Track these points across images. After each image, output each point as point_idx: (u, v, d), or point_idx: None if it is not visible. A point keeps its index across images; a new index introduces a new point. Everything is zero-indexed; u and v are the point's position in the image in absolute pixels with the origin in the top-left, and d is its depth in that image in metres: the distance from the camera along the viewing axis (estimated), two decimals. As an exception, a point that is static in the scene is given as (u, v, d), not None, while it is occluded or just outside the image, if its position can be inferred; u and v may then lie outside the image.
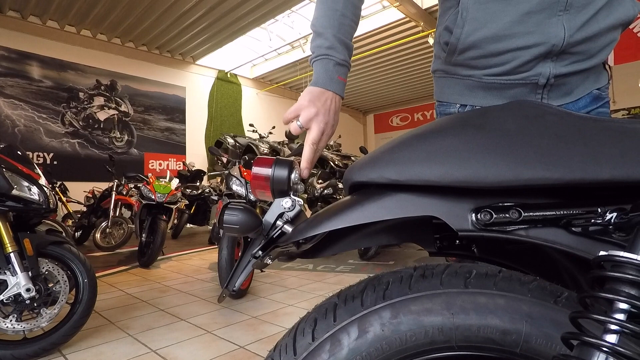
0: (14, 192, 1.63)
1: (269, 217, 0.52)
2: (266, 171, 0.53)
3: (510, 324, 0.41)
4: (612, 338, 0.32)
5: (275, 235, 0.51)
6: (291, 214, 0.52)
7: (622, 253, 0.34)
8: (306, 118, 0.65)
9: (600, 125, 0.42)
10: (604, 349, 0.31)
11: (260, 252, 0.51)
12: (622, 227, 0.39)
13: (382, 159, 0.47)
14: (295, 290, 2.79)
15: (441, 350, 0.42)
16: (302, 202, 0.54)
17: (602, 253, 0.35)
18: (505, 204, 0.42)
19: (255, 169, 0.54)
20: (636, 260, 0.33)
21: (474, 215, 0.43)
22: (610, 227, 0.39)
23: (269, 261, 0.54)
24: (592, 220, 0.40)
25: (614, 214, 0.39)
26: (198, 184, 6.56)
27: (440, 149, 0.44)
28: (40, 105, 6.45)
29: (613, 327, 0.32)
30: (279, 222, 0.51)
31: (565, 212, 0.41)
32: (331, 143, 8.81)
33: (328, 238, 0.55)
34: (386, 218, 0.44)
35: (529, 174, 0.40)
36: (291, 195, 0.53)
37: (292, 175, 0.53)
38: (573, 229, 0.41)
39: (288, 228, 0.50)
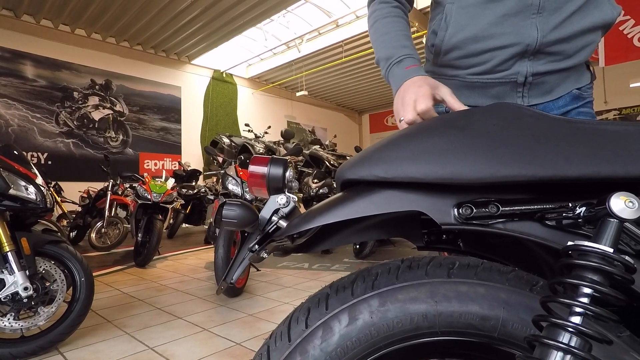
0: (11, 191, 1.64)
1: (265, 212, 0.55)
2: (262, 169, 0.56)
3: (489, 310, 0.44)
4: (576, 319, 0.35)
5: (271, 230, 0.54)
6: (286, 210, 0.55)
7: (587, 243, 0.37)
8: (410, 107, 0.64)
9: (573, 126, 0.46)
10: (569, 329, 0.35)
11: (256, 246, 0.54)
12: (590, 219, 0.42)
13: (371, 158, 0.50)
14: (290, 289, 2.81)
15: (426, 335, 0.45)
16: (296, 198, 0.57)
17: (569, 243, 0.39)
18: (485, 199, 0.46)
19: (252, 168, 0.57)
20: (599, 249, 0.36)
21: (456, 209, 0.46)
22: (580, 220, 0.43)
23: (265, 255, 0.57)
24: (564, 214, 0.43)
25: (584, 208, 0.42)
26: (194, 183, 6.56)
27: (426, 148, 0.47)
28: (34, 105, 6.42)
29: (577, 309, 0.35)
30: (274, 218, 0.54)
31: (539, 206, 0.44)
32: (326, 143, 8.85)
33: (321, 233, 0.57)
34: (375, 213, 0.47)
35: (505, 171, 0.43)
36: (286, 192, 0.56)
37: (287, 173, 0.56)
38: (547, 222, 0.44)
39: (283, 223, 0.53)
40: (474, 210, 0.45)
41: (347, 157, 7.74)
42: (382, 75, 0.75)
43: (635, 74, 7.07)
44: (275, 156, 0.58)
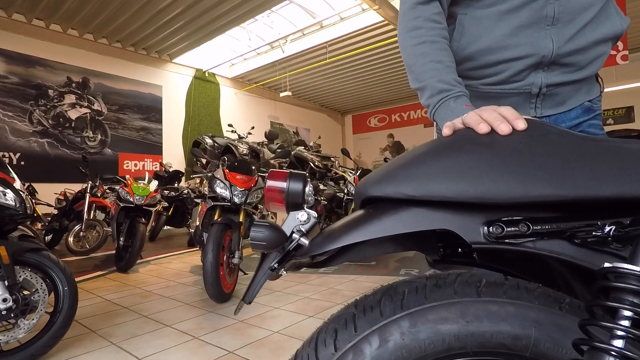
0: (-12, 197, 1.56)
1: (285, 230, 0.53)
2: (281, 184, 0.54)
3: (520, 329, 0.44)
4: (619, 343, 0.35)
5: (292, 248, 0.52)
6: (306, 226, 0.53)
7: (625, 265, 0.37)
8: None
9: (598, 145, 0.46)
10: (613, 353, 0.35)
11: (276, 265, 0.52)
12: (619, 239, 0.43)
13: (398, 175, 0.49)
14: (280, 293, 2.79)
15: (457, 356, 0.44)
16: (315, 214, 0.55)
17: (606, 265, 0.39)
18: (515, 218, 0.45)
19: (270, 182, 0.55)
20: (637, 271, 0.36)
21: (485, 228, 0.46)
22: (609, 238, 0.43)
23: (284, 272, 0.55)
24: (593, 233, 0.44)
25: (612, 227, 0.43)
26: (176, 185, 6.42)
27: (455, 167, 0.46)
28: (5, 103, 6.13)
29: (619, 332, 0.35)
30: (295, 235, 0.52)
31: (569, 225, 0.45)
32: (310, 144, 8.83)
33: (339, 249, 0.56)
34: (403, 232, 0.47)
35: (538, 191, 0.43)
36: (305, 208, 0.54)
37: (307, 189, 0.55)
38: (576, 240, 0.45)
39: (305, 241, 0.51)
40: (505, 229, 0.45)
41: (332, 159, 7.75)
42: (423, 104, 0.71)
43: (606, 80, 7.39)
44: (294, 171, 0.56)
